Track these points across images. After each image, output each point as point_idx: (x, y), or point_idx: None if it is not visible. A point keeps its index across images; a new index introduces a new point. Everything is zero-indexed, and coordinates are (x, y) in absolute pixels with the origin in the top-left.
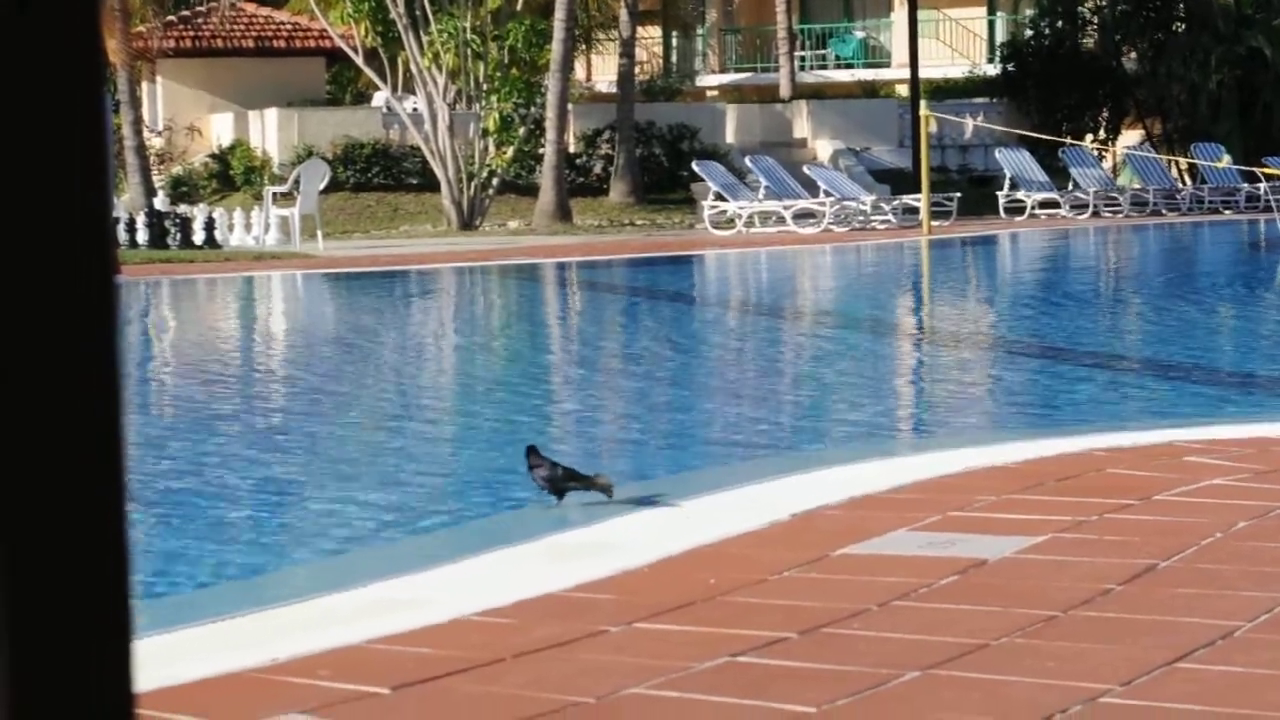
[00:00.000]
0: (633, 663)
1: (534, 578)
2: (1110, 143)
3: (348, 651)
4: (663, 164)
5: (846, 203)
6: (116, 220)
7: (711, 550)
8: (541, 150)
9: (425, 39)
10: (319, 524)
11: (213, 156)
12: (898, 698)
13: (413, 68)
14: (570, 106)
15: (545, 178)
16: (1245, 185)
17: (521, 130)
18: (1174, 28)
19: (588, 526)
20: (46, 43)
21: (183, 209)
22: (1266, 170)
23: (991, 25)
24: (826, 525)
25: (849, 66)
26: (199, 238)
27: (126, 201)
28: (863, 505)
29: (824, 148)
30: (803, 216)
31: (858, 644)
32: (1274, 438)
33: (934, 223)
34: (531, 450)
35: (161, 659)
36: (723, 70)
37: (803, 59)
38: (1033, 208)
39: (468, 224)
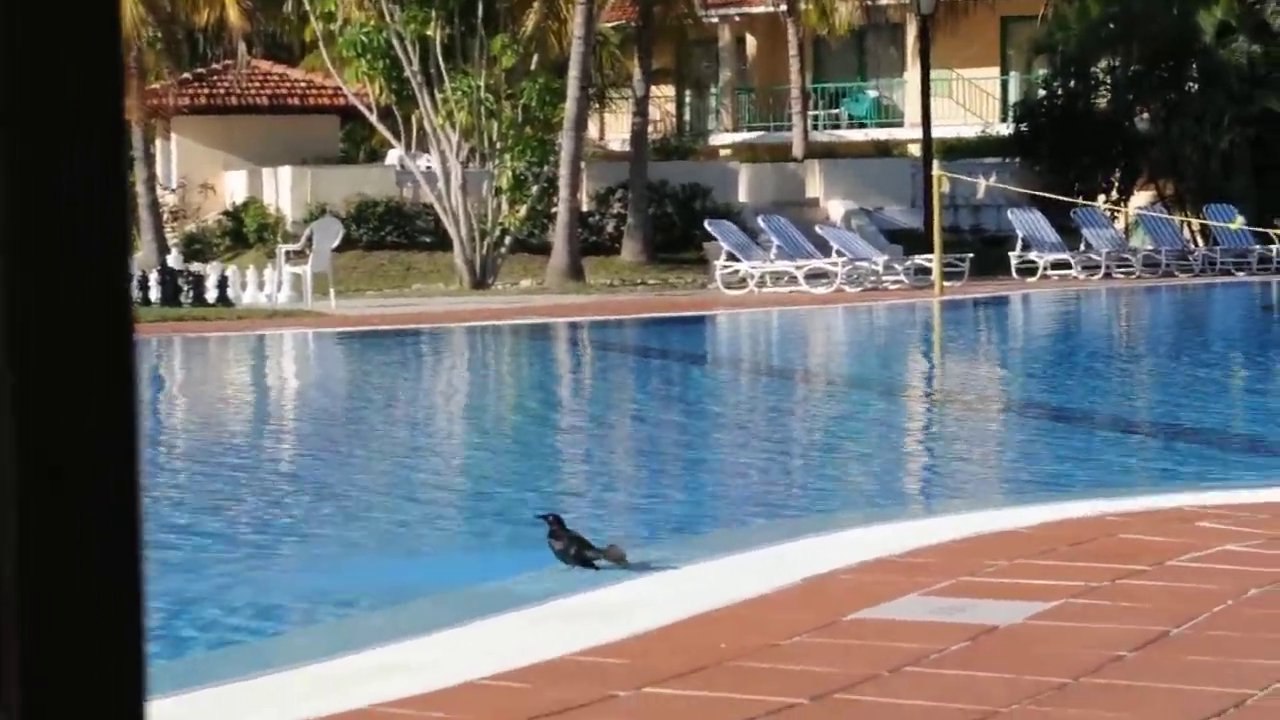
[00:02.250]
0: None
1: (545, 641)
2: (1122, 203)
3: (359, 715)
4: (675, 223)
5: (859, 263)
6: (130, 278)
7: (723, 614)
8: (554, 209)
9: (439, 97)
10: (328, 586)
11: (226, 214)
12: None
13: (426, 126)
14: (583, 165)
15: (558, 236)
16: (1258, 246)
17: (535, 189)
18: (1187, 88)
19: (598, 590)
20: (71, 104)
21: (196, 267)
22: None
23: (1004, 85)
24: (838, 589)
25: (862, 126)
26: (212, 295)
27: (140, 259)
28: (874, 569)
29: (836, 207)
30: (815, 276)
31: (869, 710)
32: None
33: (946, 283)
34: (554, 520)
35: None
36: (736, 129)
37: (816, 118)
38: (1045, 268)
39: (480, 283)
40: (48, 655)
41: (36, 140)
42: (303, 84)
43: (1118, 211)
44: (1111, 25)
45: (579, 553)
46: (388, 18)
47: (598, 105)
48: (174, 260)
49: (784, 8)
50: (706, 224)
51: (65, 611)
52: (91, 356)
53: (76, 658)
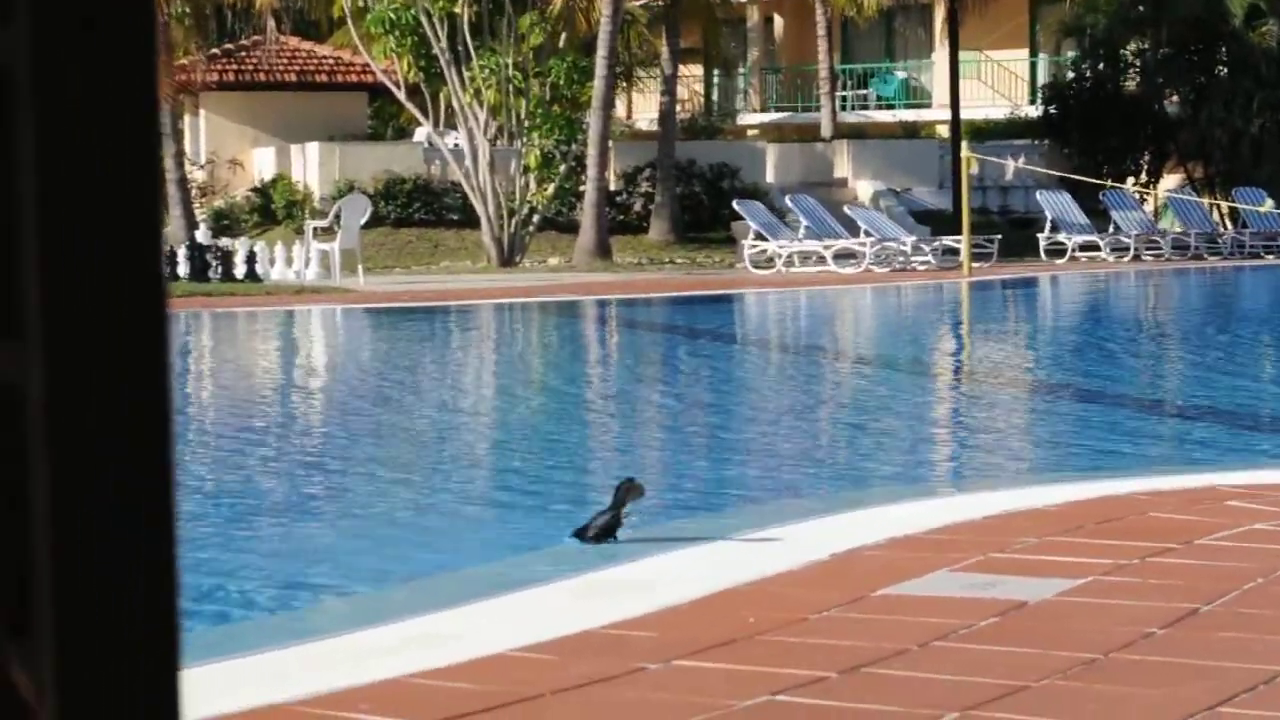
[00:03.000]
0: (672, 700)
1: (574, 614)
2: (1152, 186)
3: (388, 685)
4: (703, 202)
5: (887, 243)
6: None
7: (751, 589)
8: (582, 187)
9: (467, 75)
10: (359, 557)
11: (254, 190)
12: None
13: (454, 103)
14: (611, 144)
15: (586, 215)
16: None
17: (562, 167)
18: (1216, 72)
19: (628, 564)
20: (106, 78)
21: (224, 242)
22: None
23: (1033, 67)
24: (866, 565)
25: (890, 107)
26: (240, 271)
27: (168, 234)
28: (903, 546)
29: (865, 188)
30: (843, 257)
31: (897, 684)
32: None
33: (974, 264)
34: (587, 534)
35: (202, 692)
36: (764, 109)
37: (844, 99)
38: (1073, 250)
39: (508, 260)
40: (81, 646)
41: (63, 126)
42: (331, 61)
43: (1147, 194)
44: (1141, 8)
45: (613, 520)
46: None
47: (625, 84)
48: (202, 236)
49: None
50: (735, 203)
51: (100, 600)
52: (124, 346)
53: (111, 648)
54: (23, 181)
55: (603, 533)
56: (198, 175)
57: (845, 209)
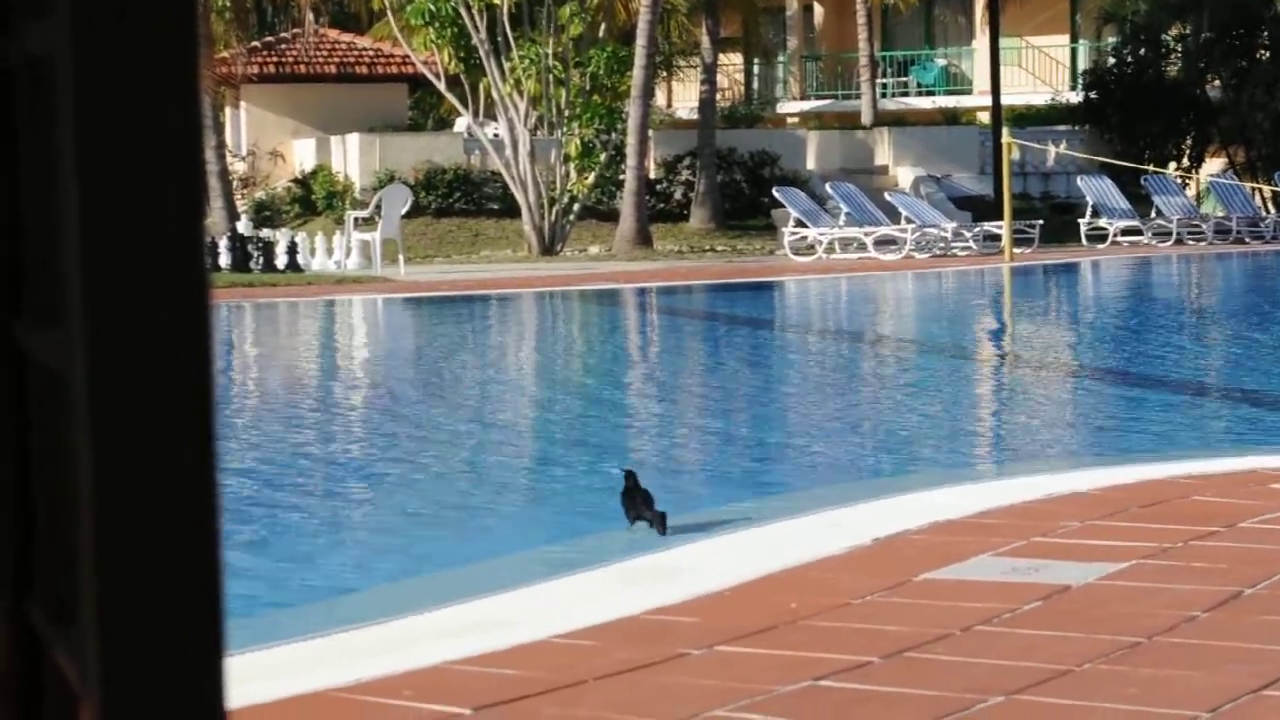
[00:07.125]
0: (714, 685)
1: (615, 600)
2: (1194, 170)
3: (430, 672)
4: (744, 190)
5: (928, 229)
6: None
7: (793, 574)
8: (622, 176)
9: (507, 65)
10: (402, 546)
11: (295, 181)
12: None
13: (494, 94)
14: (651, 133)
15: (626, 204)
16: None
17: (602, 156)
18: (1258, 56)
19: (668, 550)
20: (148, 69)
21: (265, 233)
22: None
23: (1074, 53)
24: (909, 550)
25: (930, 93)
26: (281, 261)
27: (210, 225)
28: (946, 530)
29: (905, 174)
30: (884, 243)
31: (941, 669)
32: None
33: (1016, 250)
34: (629, 474)
35: (246, 678)
36: (804, 97)
37: (884, 86)
38: (1115, 235)
39: (548, 249)
40: (124, 633)
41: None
42: (371, 52)
43: (1188, 178)
44: None
45: (639, 514)
46: None
47: (665, 73)
48: (244, 227)
49: None
50: (775, 191)
51: (142, 587)
52: (167, 335)
53: (155, 634)
54: (64, 172)
55: (637, 517)
56: (239, 167)
57: (886, 195)
